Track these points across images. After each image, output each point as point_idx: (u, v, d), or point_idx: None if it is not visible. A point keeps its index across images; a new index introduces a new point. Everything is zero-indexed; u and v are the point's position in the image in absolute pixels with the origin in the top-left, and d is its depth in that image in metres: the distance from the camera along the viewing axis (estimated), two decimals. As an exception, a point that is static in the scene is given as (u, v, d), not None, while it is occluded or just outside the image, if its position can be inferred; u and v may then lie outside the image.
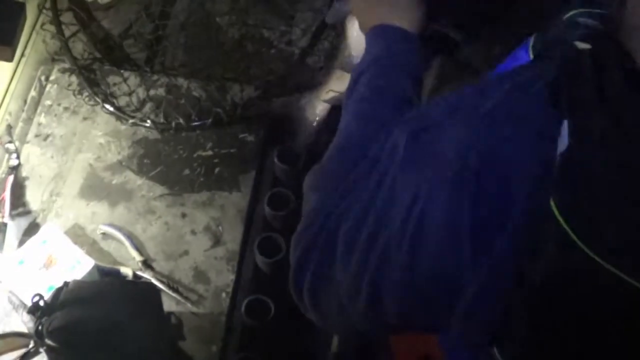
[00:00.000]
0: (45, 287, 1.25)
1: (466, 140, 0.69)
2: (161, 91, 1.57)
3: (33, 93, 1.58)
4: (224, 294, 1.35)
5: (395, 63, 0.96)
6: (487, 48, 1.22)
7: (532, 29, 0.90)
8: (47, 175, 1.47)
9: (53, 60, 1.61)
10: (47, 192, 1.45)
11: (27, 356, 1.22)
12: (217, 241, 1.40)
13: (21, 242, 1.36)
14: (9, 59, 1.45)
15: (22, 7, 1.47)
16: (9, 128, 1.52)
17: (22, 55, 1.60)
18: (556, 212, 0.60)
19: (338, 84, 1.30)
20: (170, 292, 1.33)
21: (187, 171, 1.48)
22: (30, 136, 1.52)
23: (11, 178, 1.44)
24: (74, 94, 1.56)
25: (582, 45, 0.69)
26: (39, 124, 1.53)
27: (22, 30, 1.48)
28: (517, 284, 0.63)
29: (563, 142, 0.63)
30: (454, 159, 0.68)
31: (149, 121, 1.52)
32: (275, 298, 1.28)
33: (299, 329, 1.30)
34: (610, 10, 0.69)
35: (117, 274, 1.35)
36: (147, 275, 1.35)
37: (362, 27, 1.07)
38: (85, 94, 1.56)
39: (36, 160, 1.49)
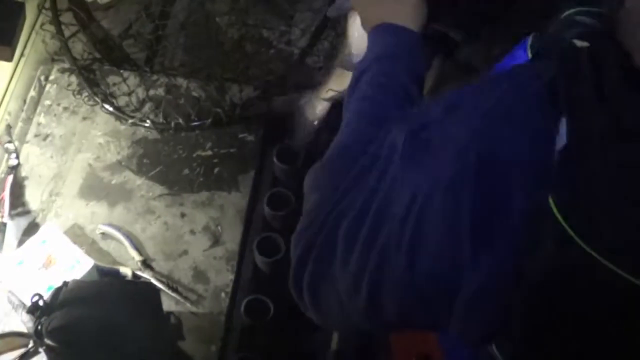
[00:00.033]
0: (45, 287, 1.25)
1: (465, 139, 0.69)
2: (161, 91, 1.57)
3: (32, 93, 1.58)
4: (223, 294, 1.35)
5: (397, 62, 0.96)
6: (487, 48, 1.22)
7: (531, 29, 0.90)
8: (46, 175, 1.47)
9: (52, 60, 1.61)
10: (47, 192, 1.45)
11: (26, 356, 1.22)
12: (216, 241, 1.40)
13: (20, 242, 1.37)
14: (9, 58, 1.45)
15: (21, 7, 1.47)
16: (9, 128, 1.52)
17: (22, 55, 1.60)
18: (554, 209, 0.60)
19: (337, 83, 1.30)
20: (169, 292, 1.33)
21: (186, 171, 1.48)
22: (29, 136, 1.52)
23: (10, 178, 1.44)
24: (73, 94, 1.56)
25: (580, 44, 0.69)
26: (39, 124, 1.53)
27: (21, 30, 1.48)
28: (516, 282, 0.63)
29: (561, 140, 0.63)
30: (453, 158, 0.68)
31: (148, 121, 1.52)
32: (275, 298, 1.28)
33: (298, 328, 1.31)
34: (609, 9, 0.69)
35: (116, 274, 1.35)
36: (146, 275, 1.35)
37: (364, 25, 1.06)
38: (85, 94, 1.56)
39: (35, 160, 1.49)
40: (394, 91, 0.94)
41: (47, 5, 1.61)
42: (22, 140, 1.52)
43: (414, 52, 0.99)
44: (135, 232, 1.40)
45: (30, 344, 1.22)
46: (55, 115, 1.55)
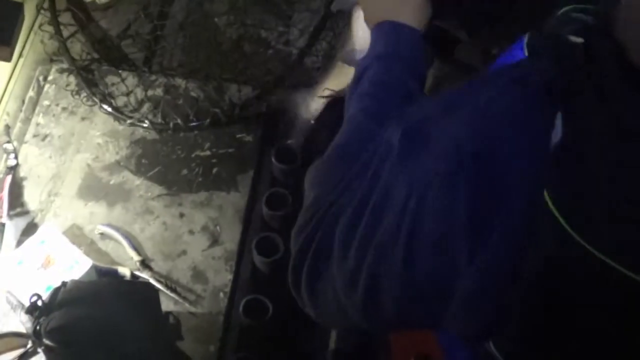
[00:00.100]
0: (43, 287, 1.25)
1: (461, 135, 0.69)
2: (159, 91, 1.57)
3: (31, 93, 1.58)
4: (222, 294, 1.35)
5: (400, 60, 0.97)
6: (486, 48, 1.23)
7: (531, 29, 0.90)
8: (45, 175, 1.47)
9: (51, 60, 1.61)
10: (45, 192, 1.45)
11: (25, 356, 1.22)
12: (215, 241, 1.40)
13: (19, 242, 1.37)
14: (7, 59, 1.46)
15: (20, 7, 1.47)
16: (7, 128, 1.52)
17: (20, 55, 1.60)
18: (550, 203, 0.61)
19: (335, 82, 1.30)
20: (168, 292, 1.33)
21: (185, 171, 1.48)
22: (28, 136, 1.52)
23: (9, 178, 1.44)
24: (72, 94, 1.57)
25: (576, 40, 0.69)
26: (37, 124, 1.53)
27: (20, 30, 1.48)
28: (513, 279, 0.63)
29: (557, 135, 0.63)
30: (449, 154, 0.69)
31: (147, 121, 1.52)
32: (273, 298, 1.28)
33: (297, 328, 1.31)
34: (604, 6, 0.69)
35: (115, 274, 1.35)
36: (145, 275, 1.35)
37: (367, 21, 1.07)
38: (84, 94, 1.56)
39: (34, 161, 1.49)
40: (395, 89, 0.94)
41: (46, 5, 1.61)
42: (21, 140, 1.52)
43: (416, 50, 0.99)
44: (134, 232, 1.41)
45: (29, 344, 1.22)
46: (53, 115, 1.55)
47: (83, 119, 1.54)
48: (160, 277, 1.35)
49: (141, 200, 1.44)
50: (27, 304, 1.18)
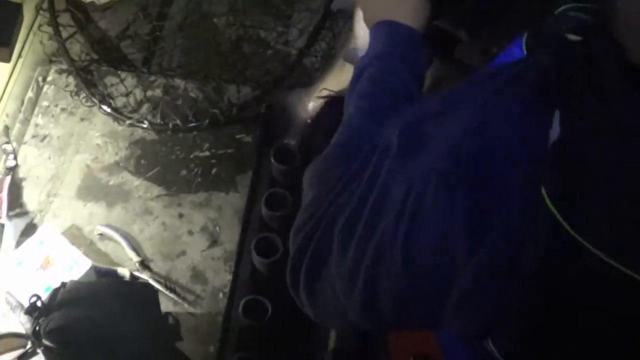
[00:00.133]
0: (43, 287, 1.25)
1: (459, 133, 0.69)
2: (158, 92, 1.57)
3: (30, 94, 1.58)
4: (221, 294, 1.35)
5: (398, 60, 0.97)
6: (486, 48, 1.23)
7: (531, 28, 0.90)
8: (44, 176, 1.47)
9: (50, 61, 1.61)
10: (45, 193, 1.45)
11: (24, 357, 1.22)
12: (214, 241, 1.40)
13: (18, 243, 1.37)
14: (7, 59, 1.46)
15: (19, 8, 1.47)
16: (6, 129, 1.52)
17: (20, 56, 1.60)
18: (547, 200, 0.61)
19: (333, 83, 1.30)
20: (167, 293, 1.33)
21: (184, 172, 1.48)
22: (27, 137, 1.52)
23: (8, 179, 1.44)
24: (71, 95, 1.57)
25: (573, 38, 0.69)
26: (36, 125, 1.53)
27: (19, 31, 1.48)
28: (511, 277, 0.63)
29: (555, 132, 0.63)
30: (447, 153, 0.69)
31: (146, 122, 1.52)
32: (273, 298, 1.28)
33: (296, 329, 1.31)
34: (603, 4, 0.69)
35: (114, 275, 1.35)
36: (144, 275, 1.35)
37: (367, 21, 1.07)
38: (83, 95, 1.56)
39: (33, 161, 1.49)
40: (394, 89, 0.94)
41: (45, 6, 1.61)
42: (20, 141, 1.52)
43: (415, 50, 0.99)
44: (133, 233, 1.41)
45: (28, 345, 1.22)
46: (53, 116, 1.55)
47: (82, 119, 1.54)
48: (160, 277, 1.35)
49: (140, 201, 1.44)
50: (26, 304, 1.18)
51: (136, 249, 1.38)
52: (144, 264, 1.36)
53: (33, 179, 1.47)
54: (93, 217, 1.42)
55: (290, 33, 1.67)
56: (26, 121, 1.54)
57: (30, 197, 1.44)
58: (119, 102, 1.56)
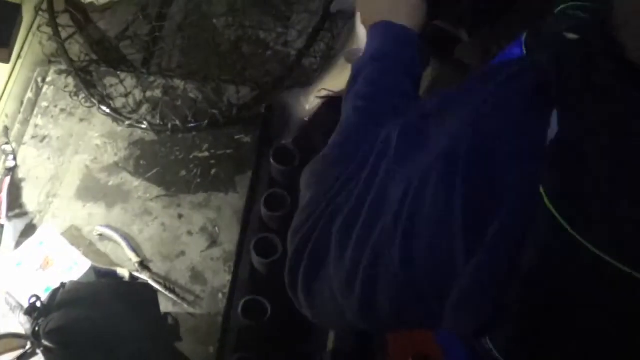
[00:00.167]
0: (42, 288, 1.25)
1: (458, 131, 0.69)
2: (158, 93, 1.57)
3: (30, 94, 1.58)
4: (220, 295, 1.35)
5: (395, 61, 0.97)
6: (486, 48, 1.23)
7: (531, 27, 0.90)
8: (43, 176, 1.47)
9: (50, 61, 1.61)
10: (44, 194, 1.45)
11: (24, 357, 1.22)
12: (213, 242, 1.40)
13: (18, 244, 1.37)
14: (6, 60, 1.46)
15: (18, 9, 1.47)
16: (6, 129, 1.52)
17: (19, 56, 1.60)
18: (545, 198, 0.61)
19: (333, 83, 1.30)
20: (166, 293, 1.33)
21: (183, 172, 1.48)
22: (26, 138, 1.52)
23: (8, 179, 1.44)
24: (70, 96, 1.56)
25: (571, 36, 0.69)
26: (36, 126, 1.53)
27: (18, 31, 1.48)
28: (510, 276, 0.63)
29: (553, 131, 0.63)
30: (445, 150, 0.69)
31: (145, 123, 1.52)
32: (272, 299, 1.28)
33: (295, 329, 1.31)
34: (601, 3, 0.69)
35: (114, 275, 1.35)
36: (143, 276, 1.35)
37: (364, 22, 1.07)
38: (82, 95, 1.56)
39: (33, 162, 1.49)
40: (390, 89, 0.94)
41: (44, 7, 1.61)
42: (20, 141, 1.52)
43: (412, 51, 1.00)
44: (133, 234, 1.41)
45: (28, 346, 1.22)
46: (52, 116, 1.55)
47: (81, 120, 1.55)
48: (159, 278, 1.36)
49: (140, 202, 1.45)
50: (25, 305, 1.18)
51: (135, 249, 1.38)
52: (144, 265, 1.37)
53: (32, 179, 1.47)
54: (92, 218, 1.42)
55: (289, 34, 1.67)
56: (25, 122, 1.54)
57: (30, 198, 1.44)
58: (118, 102, 1.56)
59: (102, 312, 1.17)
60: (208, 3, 1.70)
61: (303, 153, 1.41)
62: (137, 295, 1.24)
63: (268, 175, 1.49)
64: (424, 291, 0.71)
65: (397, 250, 0.70)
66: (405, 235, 0.70)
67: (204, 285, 1.36)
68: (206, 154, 1.51)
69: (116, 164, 1.49)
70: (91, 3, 1.68)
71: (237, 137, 1.53)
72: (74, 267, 1.29)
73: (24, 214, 1.42)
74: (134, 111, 1.55)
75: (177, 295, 1.34)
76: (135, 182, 1.47)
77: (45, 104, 1.56)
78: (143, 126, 1.52)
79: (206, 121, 1.51)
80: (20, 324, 1.22)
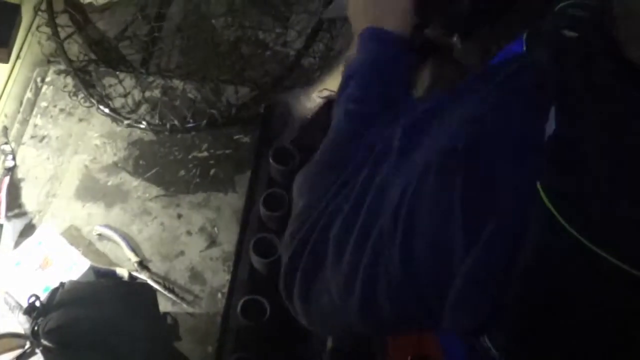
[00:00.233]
0: (41, 288, 1.25)
1: (457, 131, 0.69)
2: (156, 93, 1.58)
3: (29, 94, 1.58)
4: (219, 295, 1.35)
5: (384, 66, 0.98)
6: (485, 48, 1.23)
7: (532, 26, 0.90)
8: (43, 176, 1.47)
9: (49, 61, 1.61)
10: (43, 194, 1.45)
11: (23, 357, 1.22)
12: (212, 242, 1.41)
13: (17, 244, 1.37)
14: (5, 60, 1.46)
15: (17, 9, 1.47)
16: (5, 129, 1.52)
17: (18, 57, 1.60)
18: (544, 198, 0.61)
19: (335, 83, 1.30)
20: (166, 293, 1.33)
21: (182, 172, 1.49)
22: (26, 137, 1.52)
23: (7, 179, 1.44)
24: (69, 96, 1.57)
25: (570, 34, 0.70)
26: (35, 126, 1.53)
27: (17, 31, 1.48)
28: (506, 272, 0.63)
29: (550, 128, 0.63)
30: (445, 147, 0.69)
31: (144, 123, 1.52)
32: (271, 298, 1.28)
33: (294, 329, 1.31)
34: (600, 1, 0.70)
35: (113, 275, 1.35)
36: (142, 276, 1.35)
37: (354, 30, 1.07)
38: (81, 95, 1.56)
39: (32, 162, 1.49)
40: (380, 93, 0.95)
41: (43, 7, 1.61)
42: (19, 141, 1.52)
43: (401, 57, 1.00)
44: (132, 233, 1.41)
45: (27, 345, 1.22)
46: (51, 116, 1.55)
47: (80, 120, 1.55)
48: (158, 277, 1.36)
49: (139, 201, 1.45)
50: (25, 304, 1.18)
51: (135, 249, 1.38)
52: (143, 264, 1.37)
53: (32, 179, 1.47)
54: (92, 218, 1.42)
55: (288, 34, 1.67)
56: (25, 122, 1.54)
57: (29, 198, 1.44)
58: (117, 102, 1.56)
59: (101, 311, 1.17)
60: (207, 3, 1.70)
61: (303, 153, 1.42)
62: (136, 295, 1.24)
63: (267, 175, 1.49)
64: (423, 290, 0.71)
65: (397, 250, 0.71)
66: (405, 234, 0.70)
67: (203, 285, 1.36)
68: (205, 154, 1.51)
69: (115, 163, 1.49)
70: (90, 3, 1.68)
71: (236, 137, 1.53)
72: (73, 267, 1.29)
73: (23, 213, 1.42)
74: (132, 111, 1.55)
75: (176, 295, 1.34)
76: (135, 182, 1.47)
77: (44, 103, 1.56)
78: (142, 126, 1.52)
79: (205, 121, 1.52)
80: (19, 324, 1.22)
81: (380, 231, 0.73)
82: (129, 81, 1.58)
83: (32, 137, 1.52)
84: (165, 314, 1.30)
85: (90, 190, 1.46)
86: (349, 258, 0.76)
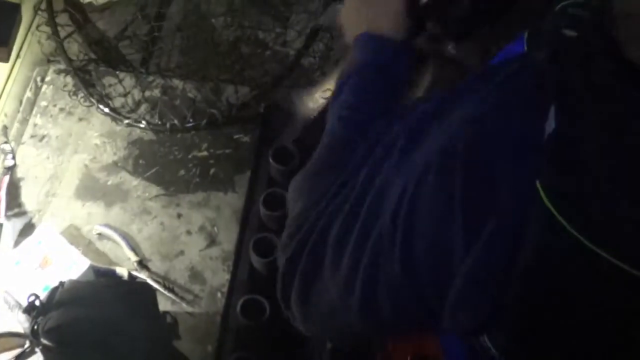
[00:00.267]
0: (41, 287, 1.25)
1: (457, 130, 0.69)
2: (156, 92, 1.58)
3: (29, 94, 1.58)
4: (219, 294, 1.35)
5: (377, 70, 0.98)
6: (485, 48, 1.23)
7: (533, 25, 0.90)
8: (42, 175, 1.47)
9: (49, 61, 1.61)
10: (43, 193, 1.45)
11: (22, 356, 1.23)
12: (212, 241, 1.41)
13: (17, 243, 1.37)
14: (5, 59, 1.46)
15: (17, 8, 1.47)
16: (5, 129, 1.52)
17: (18, 56, 1.60)
18: (544, 198, 0.61)
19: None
20: (165, 292, 1.33)
21: (182, 172, 1.49)
22: (26, 137, 1.52)
23: (7, 178, 1.44)
24: (69, 95, 1.57)
25: (570, 33, 0.70)
26: (35, 125, 1.53)
27: (17, 31, 1.49)
28: (506, 272, 0.64)
29: (550, 127, 0.63)
30: (445, 145, 0.69)
31: (144, 122, 1.52)
32: (271, 298, 1.28)
33: (294, 328, 1.31)
34: (600, 1, 0.70)
35: (112, 274, 1.35)
36: (142, 275, 1.35)
37: (347, 39, 1.08)
38: (81, 94, 1.56)
39: (32, 161, 1.49)
40: (374, 99, 0.95)
41: (43, 6, 1.61)
42: (19, 141, 1.52)
43: (396, 61, 1.01)
44: (132, 233, 1.41)
45: (27, 344, 1.22)
46: (51, 116, 1.55)
47: (80, 119, 1.55)
48: (158, 277, 1.36)
49: (139, 201, 1.45)
50: (24, 303, 1.18)
51: (134, 248, 1.38)
52: (142, 264, 1.37)
53: (31, 178, 1.47)
54: (91, 217, 1.42)
55: (288, 34, 1.67)
56: (25, 121, 1.54)
57: (29, 197, 1.44)
58: (117, 102, 1.56)
59: (100, 311, 1.17)
60: (207, 3, 1.70)
61: (305, 153, 1.42)
62: (136, 295, 1.24)
63: (267, 174, 1.49)
64: (423, 290, 0.71)
65: (397, 250, 0.71)
66: (405, 234, 0.70)
67: (202, 285, 1.36)
68: (205, 153, 1.51)
69: (115, 163, 1.49)
70: (90, 3, 1.68)
71: (236, 136, 1.53)
72: (73, 266, 1.29)
73: (23, 213, 1.42)
74: (132, 111, 1.55)
75: (176, 294, 1.34)
76: (134, 182, 1.47)
77: (44, 103, 1.56)
78: (142, 125, 1.53)
79: (205, 121, 1.52)
80: (19, 323, 1.23)
81: (380, 231, 0.73)
82: (128, 81, 1.58)
83: (32, 136, 1.52)
84: (165, 313, 1.30)
85: (90, 189, 1.46)
86: (348, 258, 0.76)
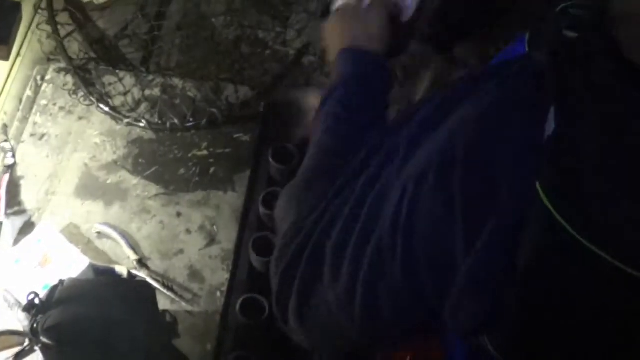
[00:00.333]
0: (41, 285, 1.25)
1: (457, 130, 0.69)
2: (156, 91, 1.58)
3: (29, 92, 1.58)
4: (218, 293, 1.35)
5: (361, 82, 1.01)
6: (484, 49, 1.23)
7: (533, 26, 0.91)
8: (42, 174, 1.47)
9: (49, 60, 1.61)
10: (43, 191, 1.45)
11: (22, 354, 1.22)
12: (212, 240, 1.41)
13: (16, 241, 1.37)
14: (5, 58, 1.46)
15: (17, 7, 1.48)
16: (5, 127, 1.52)
17: (18, 54, 1.60)
18: (544, 197, 0.61)
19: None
20: (165, 291, 1.33)
21: (182, 171, 1.49)
22: (25, 135, 1.52)
23: (6, 177, 1.44)
24: (69, 94, 1.57)
25: (570, 34, 0.70)
26: (35, 124, 1.53)
27: (17, 29, 1.49)
28: (506, 272, 0.64)
29: (550, 128, 0.64)
30: (442, 146, 0.69)
31: (144, 121, 1.52)
32: (270, 297, 1.28)
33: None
34: (600, 1, 0.70)
35: (112, 273, 1.35)
36: (142, 274, 1.35)
37: (331, 55, 1.10)
38: (81, 93, 1.56)
39: (32, 160, 1.49)
40: (360, 109, 0.97)
41: (44, 5, 1.62)
42: (18, 139, 1.52)
43: (377, 74, 1.03)
44: (131, 232, 1.41)
45: (26, 343, 1.22)
46: (51, 114, 1.55)
47: (80, 118, 1.55)
48: (157, 276, 1.36)
49: (138, 200, 1.45)
50: (24, 302, 1.18)
51: (134, 247, 1.38)
52: (142, 263, 1.37)
53: (31, 177, 1.47)
54: (91, 216, 1.42)
55: (288, 33, 1.67)
56: (24, 120, 1.54)
57: (29, 195, 1.44)
58: (117, 101, 1.56)
59: (100, 309, 1.17)
60: (207, 2, 1.70)
61: (305, 153, 1.42)
62: (135, 293, 1.24)
63: (266, 174, 1.49)
64: (424, 290, 0.71)
65: (397, 250, 0.71)
66: (405, 235, 0.70)
67: (202, 284, 1.36)
68: (205, 152, 1.51)
69: (115, 162, 1.49)
70: (90, 1, 1.68)
71: (235, 136, 1.53)
72: (73, 265, 1.29)
73: (23, 211, 1.42)
74: (132, 110, 1.55)
75: (175, 293, 1.34)
76: (134, 181, 1.47)
77: (44, 102, 1.56)
78: (142, 125, 1.53)
79: (205, 120, 1.52)
80: (18, 321, 1.23)
81: (381, 232, 0.73)
82: (128, 80, 1.58)
83: (32, 135, 1.52)
84: (164, 312, 1.30)
85: (90, 188, 1.46)
86: (349, 260, 0.76)
